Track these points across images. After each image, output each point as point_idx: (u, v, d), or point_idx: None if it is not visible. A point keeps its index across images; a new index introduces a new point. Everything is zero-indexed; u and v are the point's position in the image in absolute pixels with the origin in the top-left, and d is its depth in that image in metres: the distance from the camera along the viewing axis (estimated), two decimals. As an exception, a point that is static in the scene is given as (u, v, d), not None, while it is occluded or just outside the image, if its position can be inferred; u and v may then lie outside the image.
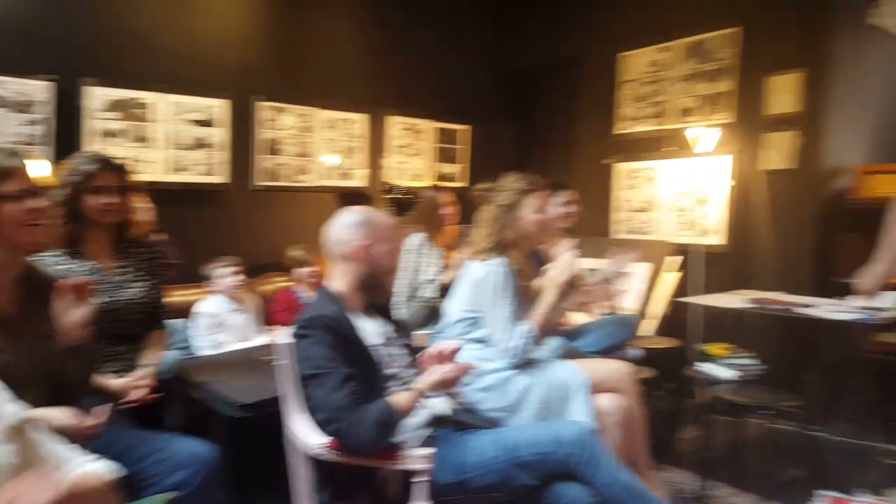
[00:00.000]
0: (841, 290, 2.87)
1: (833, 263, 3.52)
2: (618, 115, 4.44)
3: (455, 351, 1.71)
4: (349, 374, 1.58)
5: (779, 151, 3.62)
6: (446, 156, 5.06)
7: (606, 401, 2.05)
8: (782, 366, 3.30)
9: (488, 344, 2.19)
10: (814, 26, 3.46)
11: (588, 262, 3.10)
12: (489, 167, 4.92)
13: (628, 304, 3.88)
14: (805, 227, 3.55)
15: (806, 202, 3.55)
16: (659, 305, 3.83)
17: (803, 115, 3.52)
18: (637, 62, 4.33)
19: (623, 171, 4.40)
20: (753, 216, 3.75)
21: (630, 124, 4.37)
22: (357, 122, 4.50)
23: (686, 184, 4.04)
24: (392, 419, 1.57)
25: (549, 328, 2.16)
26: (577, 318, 3.16)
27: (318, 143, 4.32)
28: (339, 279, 1.78)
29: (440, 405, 1.79)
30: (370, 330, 1.77)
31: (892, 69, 4.14)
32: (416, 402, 1.63)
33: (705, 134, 3.72)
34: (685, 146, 3.83)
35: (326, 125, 4.35)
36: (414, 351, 1.86)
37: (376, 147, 4.63)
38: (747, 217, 3.77)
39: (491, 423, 1.92)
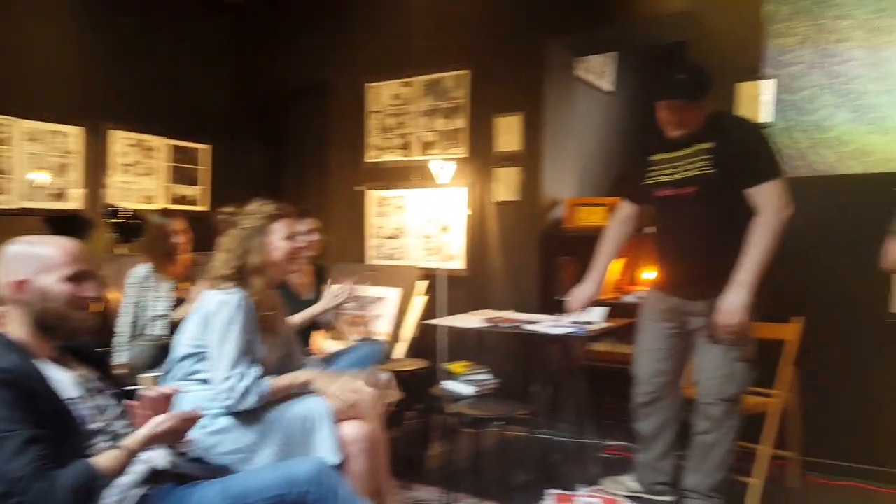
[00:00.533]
0: (560, 308, 3.22)
1: (553, 284, 3.97)
2: (368, 144, 4.53)
3: (170, 396, 1.53)
4: (34, 437, 1.31)
5: (506, 185, 4.00)
6: (184, 176, 4.69)
7: (351, 429, 2.01)
8: (516, 378, 3.61)
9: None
10: (530, 74, 3.91)
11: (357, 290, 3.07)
12: (235, 190, 4.67)
13: (381, 328, 3.94)
14: (530, 253, 3.96)
15: (529, 230, 3.96)
16: (409, 328, 3.94)
17: (524, 154, 3.94)
18: (383, 94, 4.48)
19: (375, 198, 4.49)
20: (488, 243, 4.08)
21: (379, 153, 4.50)
22: (71, 135, 3.95)
23: (431, 212, 4.25)
24: (94, 484, 1.33)
25: (281, 395, 2.04)
26: (329, 346, 3.10)
27: (18, 159, 3.68)
28: (16, 324, 1.48)
29: (158, 458, 1.58)
30: (65, 380, 1.49)
31: (594, 116, 4.86)
32: (127, 461, 1.40)
33: (444, 166, 3.97)
34: (429, 177, 4.04)
35: (28, 138, 3.73)
36: (129, 398, 1.62)
37: (97, 164, 4.11)
38: (483, 243, 4.09)
39: (222, 471, 1.76)
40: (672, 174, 2.45)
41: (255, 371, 1.96)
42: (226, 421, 1.96)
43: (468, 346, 3.67)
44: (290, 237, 2.18)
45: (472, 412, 2.78)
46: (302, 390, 2.05)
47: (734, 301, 2.28)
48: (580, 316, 2.94)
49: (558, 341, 3.16)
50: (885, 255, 1.87)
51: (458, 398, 2.96)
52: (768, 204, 2.29)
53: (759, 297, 2.30)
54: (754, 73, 3.22)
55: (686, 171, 2.40)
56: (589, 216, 3.90)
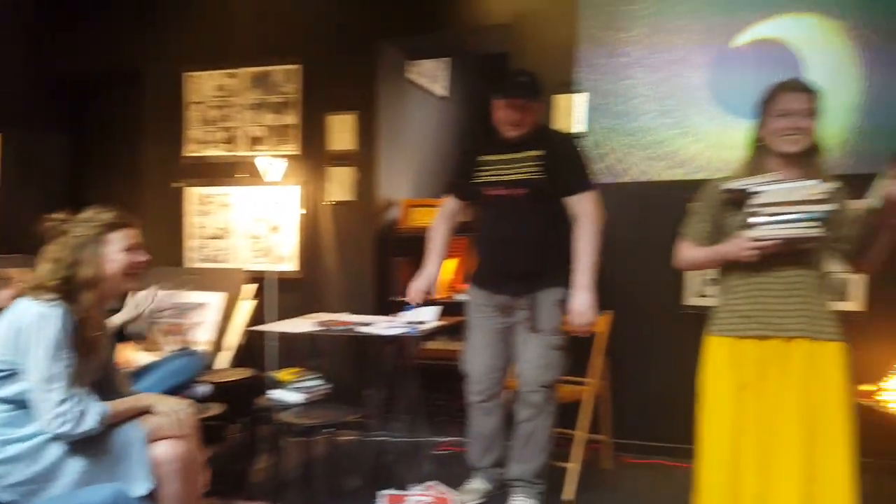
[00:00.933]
0: (395, 308, 3.22)
1: (389, 284, 3.97)
2: (187, 137, 4.22)
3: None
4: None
5: (340, 184, 3.92)
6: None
7: (163, 450, 1.83)
8: (350, 381, 3.55)
9: (24, 405, 1.75)
10: (364, 74, 3.87)
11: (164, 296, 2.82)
12: (31, 185, 4.13)
13: (202, 336, 3.68)
14: (365, 254, 3.92)
15: (365, 231, 3.92)
16: (235, 336, 3.72)
17: (359, 153, 3.89)
18: (204, 84, 4.20)
19: (196, 195, 4.19)
20: (322, 244, 3.98)
21: (201, 147, 4.20)
22: None
23: (260, 211, 4.05)
24: None
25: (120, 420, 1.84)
26: (140, 358, 2.84)
27: None
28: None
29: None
30: None
31: (429, 120, 4.95)
32: None
33: (274, 163, 3.80)
34: (257, 174, 3.85)
35: None
36: None
37: None
38: (317, 244, 3.98)
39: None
40: (504, 175, 2.57)
41: (88, 394, 1.77)
42: (17, 448, 1.71)
43: (299, 352, 3.54)
44: (130, 249, 1.95)
45: (300, 420, 2.69)
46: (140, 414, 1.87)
47: (584, 302, 2.50)
48: (413, 316, 2.97)
49: (392, 342, 3.16)
50: (676, 254, 2.11)
51: (286, 407, 2.85)
52: (588, 212, 2.53)
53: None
54: (570, 86, 3.45)
55: (518, 173, 2.54)
56: (424, 217, 3.95)
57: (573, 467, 2.86)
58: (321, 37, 3.94)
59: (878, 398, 2.49)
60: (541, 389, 2.58)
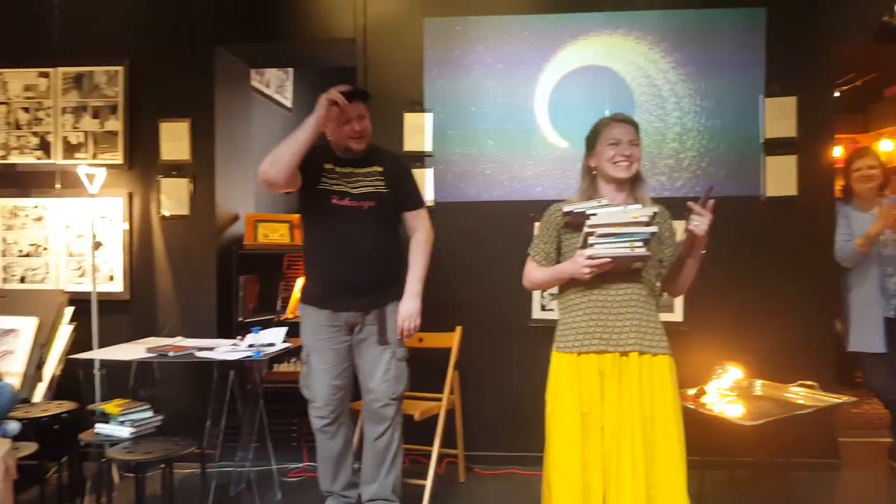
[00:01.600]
0: (243, 329, 3.02)
1: (235, 304, 3.74)
2: (-10, 142, 3.69)
3: None
4: None
5: (174, 197, 3.63)
6: None
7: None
8: (189, 410, 3.29)
9: None
10: (200, 80, 3.62)
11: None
12: None
13: (11, 367, 3.25)
14: (206, 272, 3.65)
15: (205, 247, 3.66)
16: (52, 365, 3.31)
17: (195, 164, 3.63)
18: (11, 83, 3.71)
19: (4, 208, 3.67)
20: (154, 261, 3.66)
21: (7, 154, 3.70)
22: None
23: (81, 226, 3.63)
24: None
25: None
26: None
27: None
28: None
29: None
30: None
31: (274, 131, 4.76)
32: None
33: (95, 173, 3.43)
34: (78, 185, 3.45)
35: None
36: None
37: None
38: (148, 262, 3.66)
39: None
40: (352, 187, 2.56)
41: None
42: None
43: (126, 381, 3.20)
44: None
45: (130, 456, 2.45)
46: None
47: (412, 308, 2.59)
48: (259, 338, 2.83)
49: (237, 366, 2.97)
50: (524, 275, 2.20)
51: (114, 442, 2.61)
52: (422, 227, 2.69)
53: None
54: (418, 105, 3.48)
55: (366, 186, 2.58)
56: (271, 233, 3.77)
57: (428, 483, 2.86)
58: (150, 37, 3.64)
59: (699, 401, 2.74)
60: (393, 402, 2.61)
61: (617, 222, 1.91)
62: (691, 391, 2.81)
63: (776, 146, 3.34)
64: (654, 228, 1.92)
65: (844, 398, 2.80)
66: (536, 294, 3.43)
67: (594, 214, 1.93)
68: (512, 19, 3.46)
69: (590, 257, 1.91)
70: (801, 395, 2.85)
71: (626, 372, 1.97)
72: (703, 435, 2.82)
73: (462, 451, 3.28)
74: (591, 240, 1.93)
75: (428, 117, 3.48)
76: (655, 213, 1.96)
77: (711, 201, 1.93)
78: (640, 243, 1.89)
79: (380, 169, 2.61)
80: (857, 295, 3.32)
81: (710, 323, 3.31)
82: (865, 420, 4.10)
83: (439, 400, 3.05)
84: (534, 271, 2.14)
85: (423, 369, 2.96)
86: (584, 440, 1.95)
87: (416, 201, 2.71)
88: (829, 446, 3.40)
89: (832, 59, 3.38)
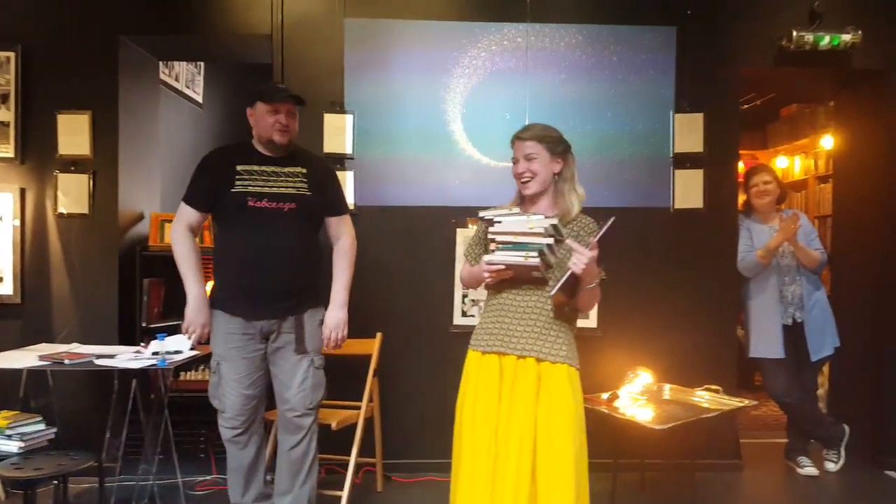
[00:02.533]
0: (147, 335, 2.85)
1: (138, 308, 3.52)
2: None
3: None
4: None
5: (73, 194, 3.38)
6: None
7: None
8: (87, 422, 3.08)
9: None
10: (102, 69, 3.39)
11: None
12: None
13: None
14: (107, 274, 3.42)
15: (106, 248, 3.43)
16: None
17: (96, 159, 3.39)
18: None
19: None
20: (49, 262, 3.40)
21: None
22: None
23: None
24: None
25: None
26: None
27: None
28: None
29: None
30: None
31: (183, 127, 4.54)
32: None
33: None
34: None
35: None
36: None
37: None
38: (42, 263, 3.39)
39: None
40: (271, 188, 2.47)
41: None
42: None
43: (17, 391, 2.95)
44: None
45: (18, 473, 2.27)
46: None
47: (339, 317, 2.55)
48: (164, 345, 2.67)
49: (140, 375, 2.79)
50: (461, 275, 2.25)
51: (1, 457, 2.44)
52: (347, 233, 2.63)
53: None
54: (338, 106, 3.41)
55: (287, 187, 2.49)
56: (177, 233, 3.59)
57: (345, 494, 2.79)
58: (48, 23, 3.39)
59: (612, 405, 2.81)
60: (310, 412, 2.54)
61: (515, 231, 1.98)
62: (605, 395, 2.88)
63: (684, 160, 3.50)
64: (549, 240, 1.94)
65: (746, 402, 2.95)
66: (458, 300, 3.42)
67: (499, 222, 2.01)
68: (433, 25, 3.46)
69: (488, 263, 1.99)
70: (706, 398, 2.97)
71: (523, 376, 2.00)
72: (615, 438, 2.90)
73: (380, 459, 3.22)
74: (491, 246, 2.02)
75: (349, 119, 3.41)
76: (554, 226, 1.96)
77: (597, 237, 1.89)
78: (535, 254, 1.93)
79: (304, 170, 2.53)
80: (756, 303, 3.51)
81: (624, 329, 3.41)
82: (764, 422, 4.34)
83: (358, 408, 2.98)
84: (463, 271, 2.24)
85: (342, 376, 2.89)
86: (482, 440, 1.98)
87: (340, 206, 2.64)
88: (732, 447, 3.57)
89: (736, 79, 3.57)
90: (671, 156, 3.50)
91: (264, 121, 2.46)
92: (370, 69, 3.44)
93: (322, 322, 2.56)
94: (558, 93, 3.47)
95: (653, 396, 2.98)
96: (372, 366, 3.04)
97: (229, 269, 2.50)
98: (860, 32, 3.37)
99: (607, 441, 2.77)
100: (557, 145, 2.08)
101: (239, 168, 2.47)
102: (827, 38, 3.36)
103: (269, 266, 2.44)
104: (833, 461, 3.54)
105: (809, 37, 3.36)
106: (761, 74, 3.75)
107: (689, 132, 3.48)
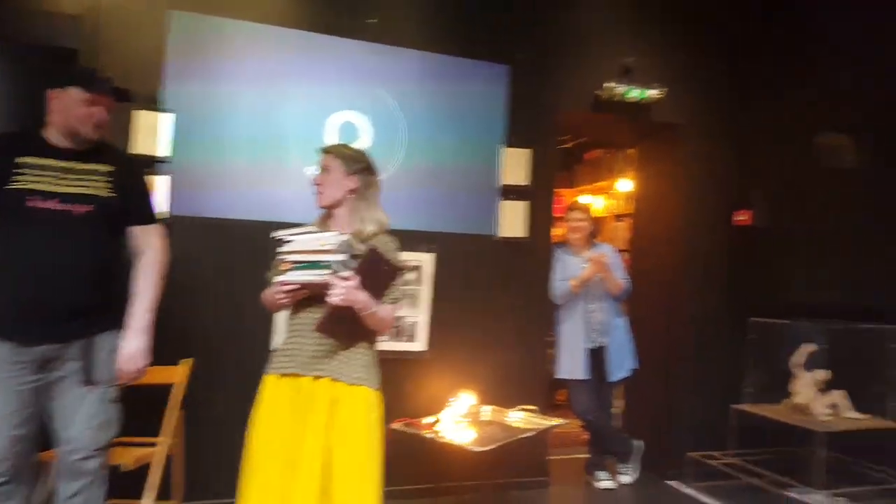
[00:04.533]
0: None
1: None
2: None
3: None
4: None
5: None
6: None
7: None
8: None
9: None
10: None
11: None
12: None
13: None
14: None
15: None
16: None
17: None
18: None
19: None
20: None
21: None
22: None
23: None
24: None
25: None
26: None
27: None
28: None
29: None
30: None
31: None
32: None
33: None
34: None
35: None
36: None
37: None
38: None
39: None
40: (60, 186, 2.09)
41: None
42: None
43: None
44: None
45: None
46: None
47: (135, 345, 2.19)
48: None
49: None
50: (263, 298, 2.12)
51: None
52: (153, 246, 2.28)
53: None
54: (154, 104, 3.08)
55: (81, 186, 2.11)
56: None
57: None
58: None
59: (434, 430, 2.82)
60: (97, 453, 2.14)
61: (307, 249, 1.96)
62: (429, 419, 2.88)
63: (511, 192, 3.67)
64: (341, 257, 1.92)
65: (559, 420, 3.14)
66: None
67: (289, 241, 1.98)
68: (270, 30, 3.28)
69: (281, 283, 1.94)
70: (522, 419, 3.11)
71: (318, 399, 1.97)
72: (436, 463, 2.91)
73: (180, 502, 2.89)
74: (283, 266, 1.98)
75: (165, 118, 3.08)
76: (346, 242, 1.95)
77: (358, 266, 1.91)
78: (326, 271, 1.91)
79: (110, 168, 2.17)
80: (565, 328, 3.79)
81: (450, 352, 3.47)
82: (569, 438, 4.65)
83: (155, 445, 2.63)
84: (264, 293, 2.13)
85: (140, 410, 2.48)
86: (273, 465, 1.93)
87: (147, 214, 2.29)
88: (540, 465, 3.77)
89: (558, 121, 3.84)
90: (498, 187, 3.65)
91: (76, 110, 2.09)
92: (196, 68, 3.16)
93: (116, 347, 2.18)
94: (394, 117, 3.47)
95: (474, 418, 3.05)
96: (176, 396, 2.71)
97: (4, 281, 2.08)
98: (665, 89, 3.82)
99: (429, 465, 2.77)
100: (354, 163, 2.11)
101: (19, 161, 2.06)
102: (635, 92, 3.75)
103: (52, 279, 2.06)
104: (627, 474, 3.88)
105: (620, 89, 3.73)
106: (578, 119, 4.08)
107: (516, 166, 3.67)
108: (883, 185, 3.52)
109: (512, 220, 3.68)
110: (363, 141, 3.36)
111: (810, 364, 3.52)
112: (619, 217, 5.96)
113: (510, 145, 3.66)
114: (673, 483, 3.91)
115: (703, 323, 4.04)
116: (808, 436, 3.33)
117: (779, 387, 3.69)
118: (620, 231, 5.68)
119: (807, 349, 3.51)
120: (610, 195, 6.37)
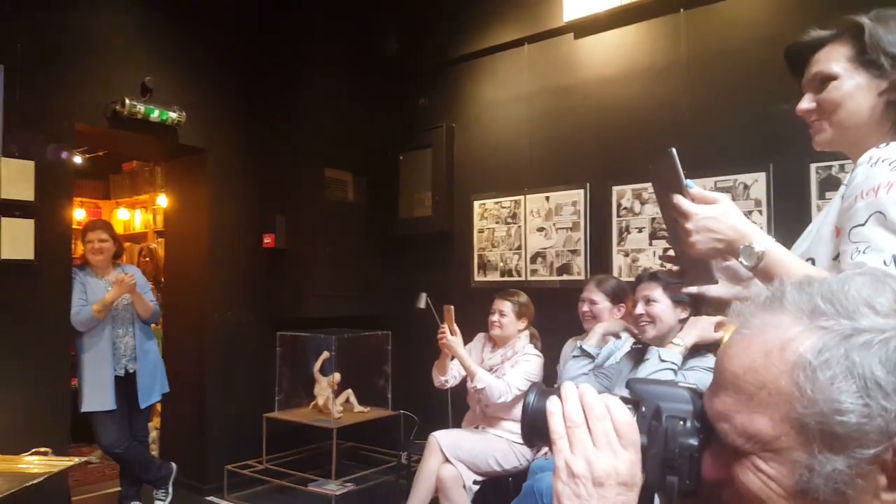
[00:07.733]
0: None
1: None
2: None
3: None
4: None
5: None
6: None
7: None
8: None
9: None
10: None
11: None
12: None
13: None
14: None
15: None
16: None
17: None
18: None
19: None
20: None
21: None
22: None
23: None
24: None
25: None
26: None
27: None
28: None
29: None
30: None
31: None
32: None
33: None
34: None
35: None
36: None
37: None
38: None
39: None
40: None
41: None
42: None
43: None
44: None
45: None
46: None
47: None
48: None
49: None
50: None
51: None
52: None
53: None
54: None
55: None
56: None
57: None
58: None
59: None
60: None
61: None
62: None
63: (13, 208, 3.22)
64: None
65: (77, 460, 2.88)
66: None
67: None
68: None
69: None
70: (35, 463, 2.76)
71: None
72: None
73: None
74: None
75: None
76: None
77: None
78: None
79: None
80: (89, 357, 3.50)
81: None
82: (101, 473, 4.28)
83: None
84: None
85: None
86: None
87: None
88: (61, 509, 3.39)
89: (71, 132, 3.49)
90: (-4, 202, 3.17)
91: None
92: None
93: None
94: None
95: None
96: None
97: None
98: (185, 113, 3.83)
99: None
100: None
101: None
102: (157, 112, 3.69)
103: None
104: (161, 499, 3.79)
105: (141, 108, 3.62)
106: (99, 131, 3.81)
107: (18, 179, 3.23)
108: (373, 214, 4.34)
109: (16, 240, 3.22)
110: None
111: (327, 369, 4.05)
112: (160, 233, 5.79)
113: (10, 155, 3.21)
114: (211, 498, 4.00)
115: (237, 340, 4.21)
116: (327, 432, 3.85)
117: (307, 392, 4.17)
118: (162, 248, 5.51)
119: (323, 356, 4.04)
120: (150, 209, 6.13)
